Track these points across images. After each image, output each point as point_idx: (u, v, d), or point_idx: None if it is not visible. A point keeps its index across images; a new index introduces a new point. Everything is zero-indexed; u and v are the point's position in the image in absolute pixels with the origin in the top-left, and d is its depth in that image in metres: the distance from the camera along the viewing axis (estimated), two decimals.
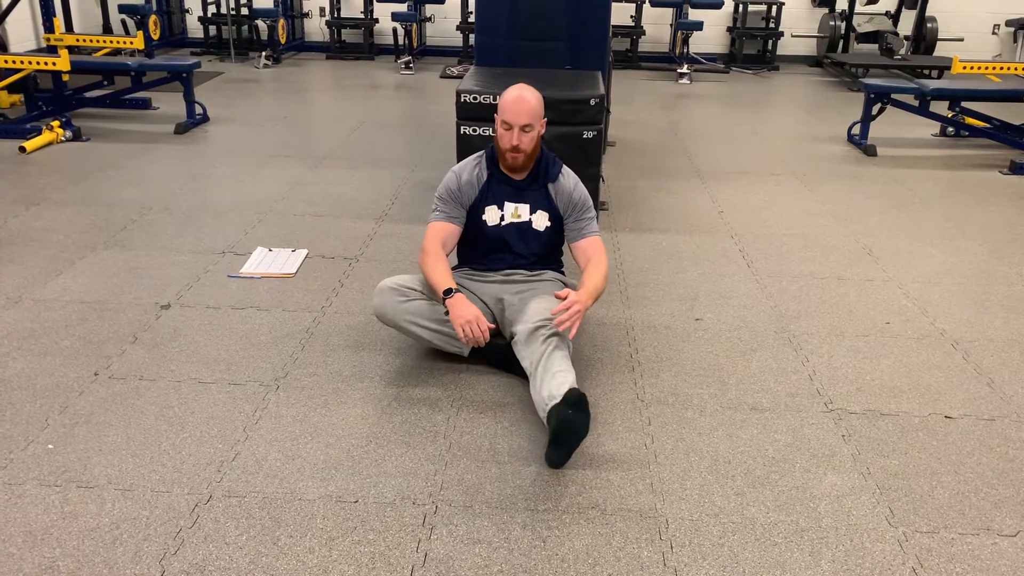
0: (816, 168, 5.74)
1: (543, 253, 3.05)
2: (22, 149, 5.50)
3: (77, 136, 5.89)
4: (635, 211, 4.74)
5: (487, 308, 3.01)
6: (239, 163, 5.49)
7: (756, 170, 5.66)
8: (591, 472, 2.42)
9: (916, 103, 6.26)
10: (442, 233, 2.95)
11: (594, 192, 4.40)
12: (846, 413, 2.76)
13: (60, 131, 5.79)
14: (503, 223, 2.99)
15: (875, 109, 6.23)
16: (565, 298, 2.66)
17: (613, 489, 2.35)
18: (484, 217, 2.98)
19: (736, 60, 10.00)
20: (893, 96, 6.20)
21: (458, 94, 4.29)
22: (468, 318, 2.70)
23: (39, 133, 5.72)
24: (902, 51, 9.28)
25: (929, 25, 9.49)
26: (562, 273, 3.13)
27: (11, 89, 6.46)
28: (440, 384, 2.87)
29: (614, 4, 9.81)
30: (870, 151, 6.10)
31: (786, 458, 2.52)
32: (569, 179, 3.02)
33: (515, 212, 2.98)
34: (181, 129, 6.20)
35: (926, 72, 9.08)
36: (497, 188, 2.99)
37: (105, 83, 6.70)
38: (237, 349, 3.07)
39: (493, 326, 2.82)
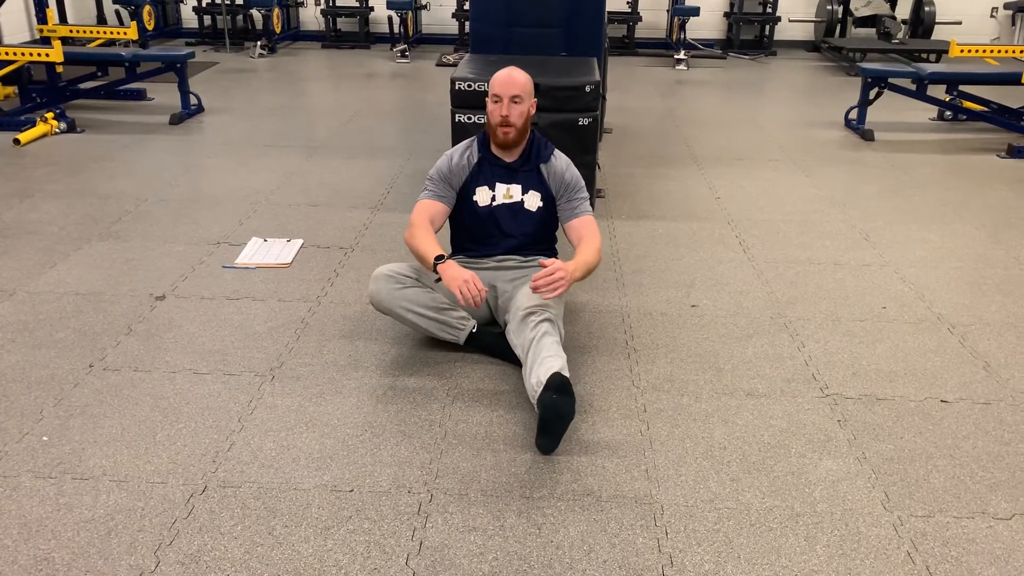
0: (813, 153, 5.72)
1: (536, 235, 3.05)
2: (16, 141, 5.49)
3: (72, 128, 5.87)
4: (631, 198, 4.73)
5: None
6: (234, 153, 5.48)
7: (753, 156, 5.64)
8: (586, 459, 2.42)
9: (914, 87, 6.23)
10: (430, 210, 2.95)
11: (590, 179, 4.40)
12: (842, 398, 2.76)
13: (54, 123, 5.77)
14: (494, 203, 2.99)
15: (872, 93, 6.21)
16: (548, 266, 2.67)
17: (608, 476, 2.35)
18: (475, 198, 2.99)
19: (733, 46, 9.97)
20: (890, 80, 6.17)
21: (453, 82, 4.27)
22: (465, 277, 2.68)
23: (33, 125, 5.69)
24: (900, 35, 9.24)
25: (927, 8, 9.45)
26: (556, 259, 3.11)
27: (5, 81, 6.44)
28: (435, 373, 2.86)
29: None
30: (868, 136, 6.08)
31: (782, 443, 2.52)
32: (561, 160, 3.03)
33: (507, 193, 2.99)
34: (176, 120, 6.18)
35: (924, 56, 9.05)
36: (489, 170, 3.00)
37: (99, 74, 6.66)
38: (232, 339, 3.07)
39: (487, 289, 2.79)
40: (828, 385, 2.83)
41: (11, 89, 6.65)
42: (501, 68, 3.00)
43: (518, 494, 2.27)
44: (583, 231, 2.95)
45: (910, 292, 3.55)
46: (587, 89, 4.22)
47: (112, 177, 4.92)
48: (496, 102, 2.87)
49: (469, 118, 4.27)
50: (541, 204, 3.00)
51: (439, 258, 2.76)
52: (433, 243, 2.83)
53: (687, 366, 2.94)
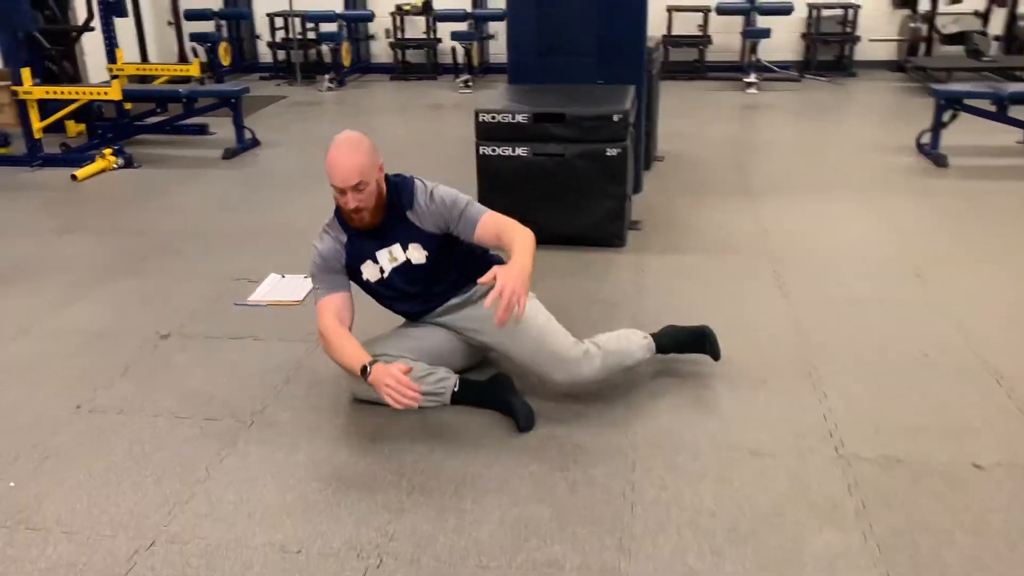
0: (877, 181, 5.35)
1: (451, 276, 2.80)
2: (74, 177, 5.67)
3: (129, 163, 6.03)
4: (670, 231, 4.50)
5: (449, 337, 2.86)
6: (279, 187, 5.51)
7: (812, 185, 5.32)
8: (556, 524, 2.23)
9: (993, 108, 5.78)
10: (332, 307, 2.70)
11: (621, 211, 4.21)
12: (857, 459, 2.48)
13: (112, 159, 5.94)
14: (385, 274, 2.76)
15: (947, 116, 5.79)
16: (492, 280, 2.36)
17: (577, 544, 2.16)
18: (365, 277, 2.77)
19: (811, 67, 9.56)
20: (966, 102, 5.74)
21: (476, 114, 4.18)
22: (387, 382, 2.43)
23: (92, 161, 5.88)
24: (991, 52, 8.68)
25: (1021, 23, 8.86)
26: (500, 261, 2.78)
27: (77, 118, 6.71)
28: (420, 421, 2.71)
29: (680, 14, 9.60)
30: (940, 161, 5.66)
31: (779, 511, 2.26)
32: (421, 197, 2.71)
33: (391, 257, 2.74)
34: (229, 154, 6.28)
35: (1019, 74, 8.46)
36: (360, 244, 2.74)
37: (158, 110, 6.87)
38: (222, 381, 3.01)
39: (416, 388, 2.47)
40: (844, 443, 2.56)
41: (82, 126, 6.91)
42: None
43: (473, 563, 2.10)
44: (495, 228, 2.64)
45: (957, 335, 3.21)
46: (614, 118, 4.04)
47: (155, 212, 5.01)
48: (341, 194, 2.59)
49: (494, 150, 4.16)
50: (427, 252, 2.73)
51: (364, 370, 2.52)
52: (354, 351, 2.59)
53: (689, 418, 2.71)
